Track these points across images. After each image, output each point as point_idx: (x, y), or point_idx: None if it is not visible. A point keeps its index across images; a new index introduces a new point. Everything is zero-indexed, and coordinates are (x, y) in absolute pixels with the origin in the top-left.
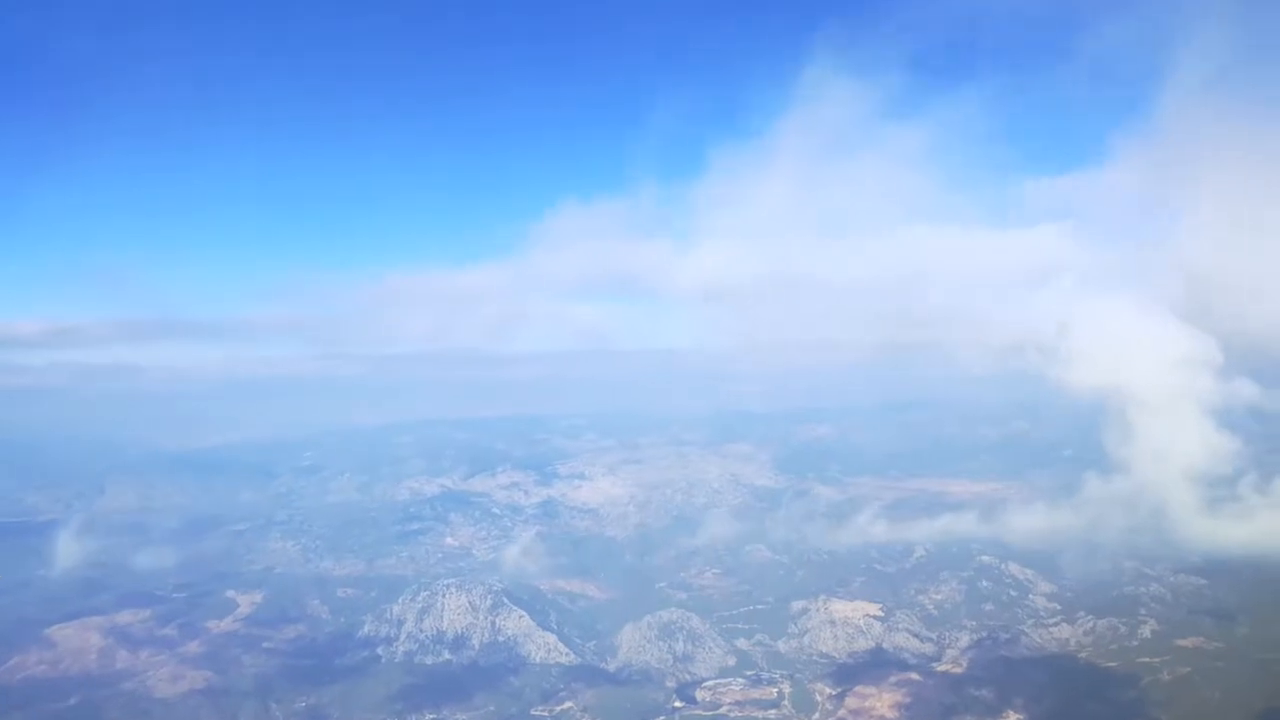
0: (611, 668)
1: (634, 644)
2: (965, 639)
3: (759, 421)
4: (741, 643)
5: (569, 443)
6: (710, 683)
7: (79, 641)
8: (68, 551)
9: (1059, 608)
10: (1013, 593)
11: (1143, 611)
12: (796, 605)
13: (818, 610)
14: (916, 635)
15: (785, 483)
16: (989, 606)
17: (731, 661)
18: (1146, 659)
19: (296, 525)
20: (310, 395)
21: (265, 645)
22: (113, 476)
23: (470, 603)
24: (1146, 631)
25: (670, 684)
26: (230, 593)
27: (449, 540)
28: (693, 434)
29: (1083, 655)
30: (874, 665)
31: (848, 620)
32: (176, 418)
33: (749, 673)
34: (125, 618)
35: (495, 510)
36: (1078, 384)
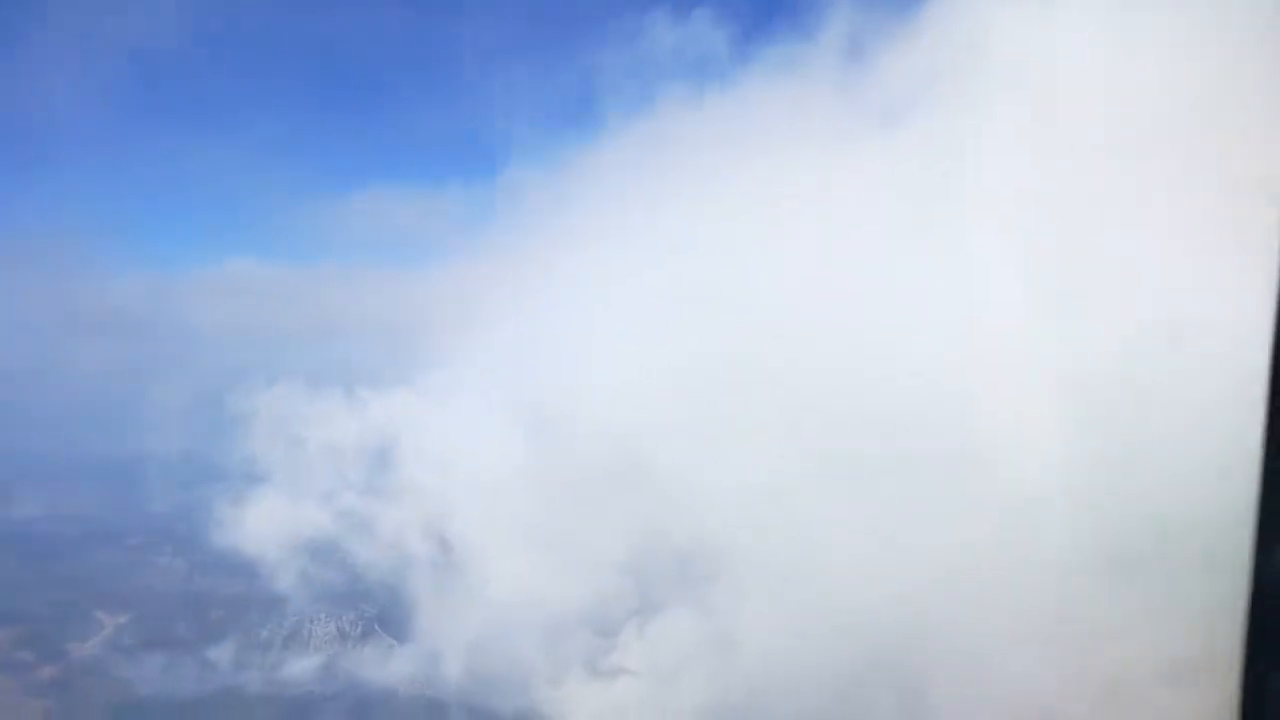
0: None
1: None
2: None
3: None
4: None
5: None
6: None
7: None
8: None
9: None
10: None
11: None
12: None
13: None
14: None
15: None
16: None
17: None
18: None
19: (192, 540)
20: None
21: (119, 673)
22: (21, 483)
23: (340, 630)
24: None
25: None
26: (99, 613)
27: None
28: None
29: None
30: None
31: None
32: (103, 420)
33: None
34: None
35: None
36: None
